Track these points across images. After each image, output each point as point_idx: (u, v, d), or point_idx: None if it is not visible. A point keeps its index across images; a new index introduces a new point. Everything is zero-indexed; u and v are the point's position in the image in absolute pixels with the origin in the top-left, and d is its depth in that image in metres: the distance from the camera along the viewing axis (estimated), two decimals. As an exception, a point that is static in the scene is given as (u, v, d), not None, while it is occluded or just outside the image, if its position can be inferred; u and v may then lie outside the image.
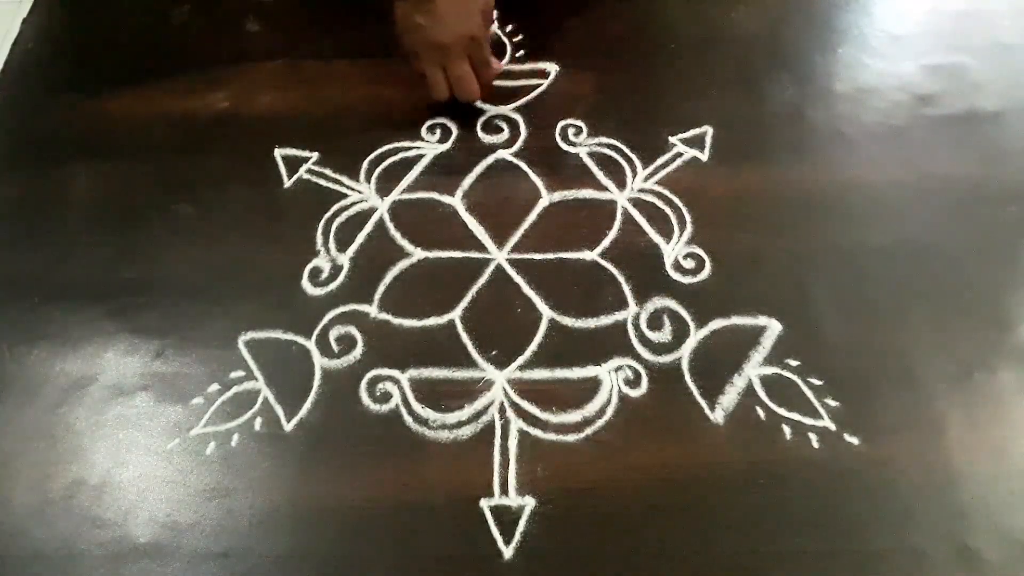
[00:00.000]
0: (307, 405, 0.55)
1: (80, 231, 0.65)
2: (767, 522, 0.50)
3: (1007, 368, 0.55)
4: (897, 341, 0.56)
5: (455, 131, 0.69)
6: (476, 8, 0.63)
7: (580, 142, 0.68)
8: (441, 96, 0.66)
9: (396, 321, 0.59)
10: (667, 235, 0.62)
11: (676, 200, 0.64)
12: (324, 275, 0.61)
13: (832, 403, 0.54)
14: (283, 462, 0.53)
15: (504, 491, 0.51)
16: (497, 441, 0.53)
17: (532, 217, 0.64)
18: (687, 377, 0.55)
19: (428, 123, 0.70)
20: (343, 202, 0.65)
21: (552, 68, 0.73)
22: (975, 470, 0.51)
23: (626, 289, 0.60)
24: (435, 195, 0.65)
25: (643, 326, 0.58)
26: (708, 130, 0.68)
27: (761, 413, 0.54)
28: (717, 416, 0.54)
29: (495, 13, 0.67)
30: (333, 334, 0.58)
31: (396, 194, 0.66)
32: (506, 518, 0.50)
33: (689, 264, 0.61)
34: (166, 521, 0.51)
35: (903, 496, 0.50)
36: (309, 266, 0.62)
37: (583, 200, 0.65)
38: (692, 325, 0.58)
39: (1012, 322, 0.57)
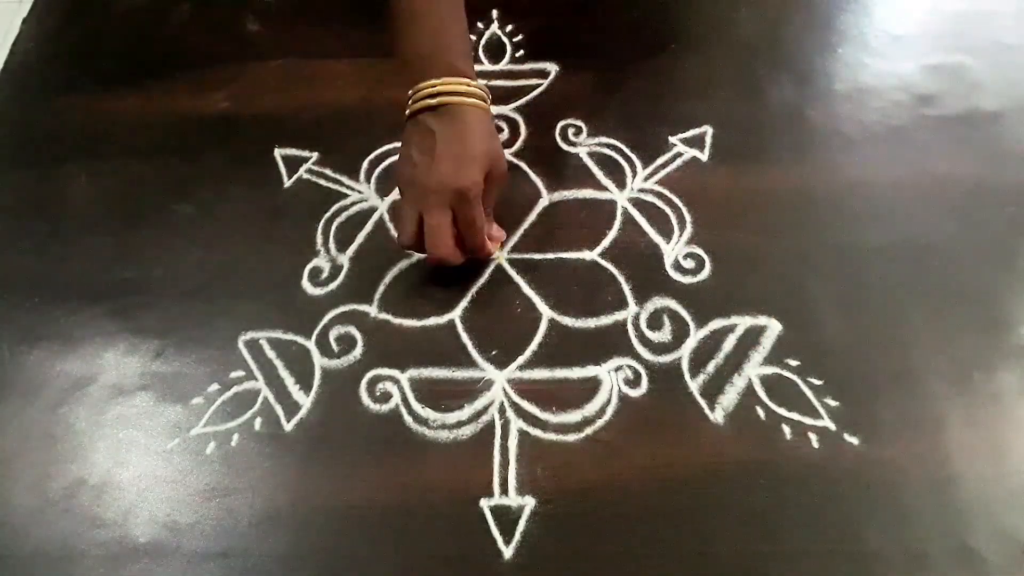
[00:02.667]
0: (307, 405, 0.55)
1: (80, 231, 0.65)
2: (767, 522, 0.50)
3: (1007, 368, 0.55)
4: (897, 341, 0.56)
5: (455, 131, 0.69)
6: (477, 162, 0.54)
7: (580, 142, 0.68)
8: (402, 241, 0.57)
9: (396, 321, 0.59)
10: (667, 235, 0.62)
11: (676, 200, 0.64)
12: (324, 275, 0.61)
13: (832, 403, 0.54)
14: (283, 462, 0.53)
15: (504, 491, 0.51)
16: (497, 441, 0.53)
17: (532, 217, 0.64)
18: (687, 377, 0.55)
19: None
20: (343, 202, 0.65)
21: (552, 68, 0.73)
22: (975, 470, 0.51)
23: (626, 289, 0.60)
24: (435, 195, 0.65)
25: (643, 326, 0.58)
26: (708, 130, 0.68)
27: (761, 413, 0.54)
28: (717, 416, 0.54)
29: (505, 166, 0.57)
30: (333, 334, 0.58)
31: (396, 194, 0.66)
32: (506, 518, 0.50)
33: (689, 264, 0.61)
34: (166, 521, 0.51)
35: (903, 496, 0.50)
36: (309, 266, 0.62)
37: (583, 200, 0.65)
38: (692, 325, 0.58)
39: (1012, 322, 0.57)
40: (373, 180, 0.67)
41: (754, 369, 0.56)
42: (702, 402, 0.54)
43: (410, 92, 0.57)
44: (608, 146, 0.68)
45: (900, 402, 0.54)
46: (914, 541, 0.49)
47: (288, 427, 0.54)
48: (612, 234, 0.62)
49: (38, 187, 0.68)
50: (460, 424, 0.54)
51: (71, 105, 0.73)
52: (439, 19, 0.58)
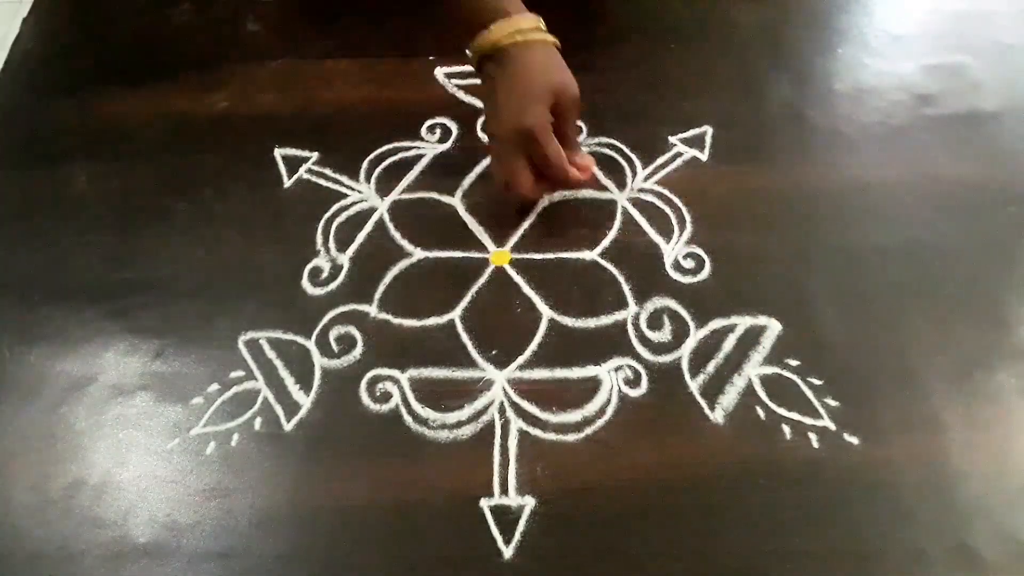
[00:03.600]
0: (307, 405, 0.55)
1: (80, 231, 0.65)
2: (767, 522, 0.50)
3: (1007, 368, 0.55)
4: (897, 341, 0.56)
5: (455, 131, 0.69)
6: (537, 99, 0.56)
7: (580, 142, 0.68)
8: (512, 191, 0.60)
9: (396, 321, 0.59)
10: (667, 235, 0.62)
11: (676, 200, 0.64)
12: (324, 275, 0.61)
13: (832, 403, 0.54)
14: (283, 462, 0.53)
15: (504, 491, 0.51)
16: (497, 441, 0.53)
17: (532, 217, 0.64)
18: (687, 377, 0.55)
19: (428, 123, 0.70)
20: (343, 202, 0.65)
21: (552, 68, 0.73)
22: (975, 470, 0.51)
23: (626, 289, 0.60)
24: (435, 195, 0.65)
25: (643, 326, 0.58)
26: (708, 130, 0.68)
27: (761, 413, 0.54)
28: (717, 416, 0.54)
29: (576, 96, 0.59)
30: (333, 334, 0.58)
31: (396, 194, 0.66)
32: (506, 518, 0.50)
33: (689, 264, 0.61)
34: (166, 521, 0.51)
35: (903, 496, 0.50)
36: (309, 266, 0.62)
37: (583, 200, 0.65)
38: (692, 325, 0.58)
39: (1012, 322, 0.57)
40: (373, 180, 0.67)
41: (754, 369, 0.56)
42: (702, 402, 0.54)
43: (467, 52, 0.60)
44: (608, 146, 0.68)
45: (900, 402, 0.54)
46: (914, 541, 0.49)
47: (288, 427, 0.54)
48: (612, 234, 0.63)
49: (38, 187, 0.68)
50: (460, 424, 0.54)
51: (71, 105, 0.73)
52: None
